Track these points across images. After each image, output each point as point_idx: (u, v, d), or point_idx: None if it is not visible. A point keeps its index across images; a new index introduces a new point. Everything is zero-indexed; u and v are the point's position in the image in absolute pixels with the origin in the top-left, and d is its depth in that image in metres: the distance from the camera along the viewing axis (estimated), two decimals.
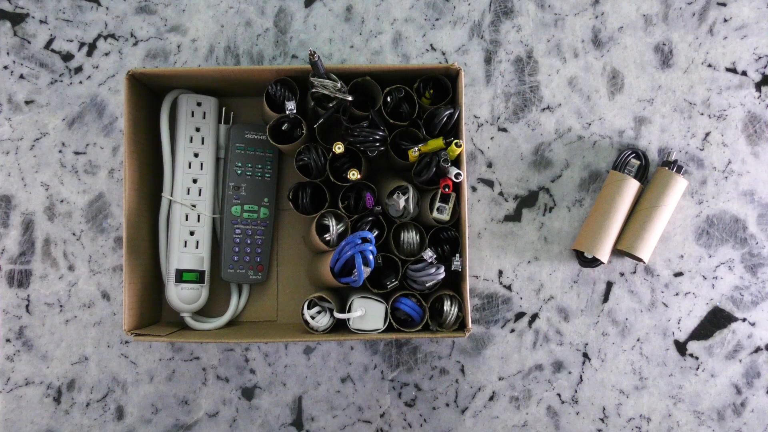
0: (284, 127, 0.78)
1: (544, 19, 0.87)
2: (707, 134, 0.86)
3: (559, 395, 0.85)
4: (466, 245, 0.75)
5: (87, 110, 0.86)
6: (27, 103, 0.86)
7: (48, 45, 0.86)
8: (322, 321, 0.76)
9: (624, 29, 0.87)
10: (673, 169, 0.82)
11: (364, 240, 0.72)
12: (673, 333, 0.85)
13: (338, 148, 0.75)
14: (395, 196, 0.77)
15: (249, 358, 0.85)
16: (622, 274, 0.86)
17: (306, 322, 0.76)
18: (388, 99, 0.77)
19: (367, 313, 0.76)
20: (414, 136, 0.78)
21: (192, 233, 0.82)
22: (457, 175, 0.74)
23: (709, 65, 0.87)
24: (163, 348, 0.85)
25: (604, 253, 0.82)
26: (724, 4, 0.87)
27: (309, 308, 0.77)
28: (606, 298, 0.86)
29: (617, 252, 0.85)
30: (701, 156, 0.86)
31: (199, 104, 0.82)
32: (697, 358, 0.85)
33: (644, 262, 0.84)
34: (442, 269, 0.76)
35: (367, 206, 0.77)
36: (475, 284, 0.86)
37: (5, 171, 0.85)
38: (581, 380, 0.85)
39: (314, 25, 0.87)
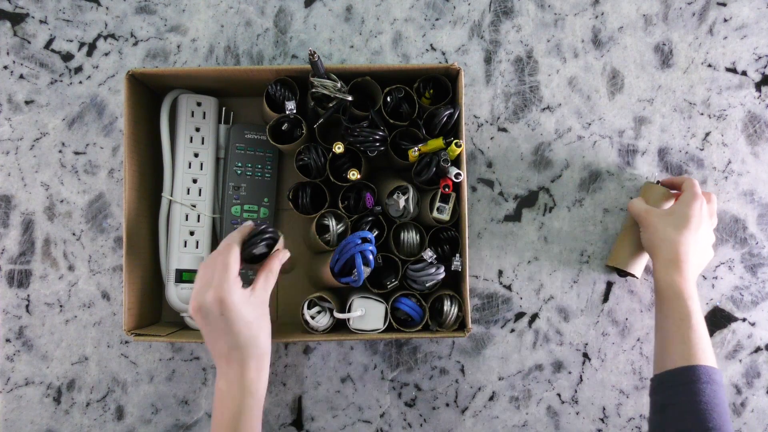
0: (284, 127, 0.79)
1: (544, 19, 0.88)
2: (707, 134, 0.87)
3: (559, 395, 0.86)
4: (466, 245, 0.77)
5: (87, 110, 0.87)
6: (27, 103, 0.87)
7: (48, 45, 0.87)
8: (322, 321, 0.77)
9: (624, 29, 0.88)
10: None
11: (364, 240, 0.73)
12: None
13: (338, 148, 0.76)
14: (395, 196, 0.78)
15: None
16: None
17: (306, 321, 0.77)
18: (388, 99, 0.78)
19: (367, 313, 0.77)
20: (414, 136, 0.79)
21: (192, 233, 0.83)
22: (457, 175, 0.75)
23: (709, 65, 0.88)
24: (163, 348, 0.87)
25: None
26: (724, 4, 0.88)
27: (309, 308, 0.78)
28: (606, 298, 0.87)
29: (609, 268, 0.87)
30: (701, 156, 0.87)
31: (199, 104, 0.83)
32: None
33: (637, 277, 0.85)
34: (442, 269, 0.77)
35: (367, 206, 0.78)
36: (475, 284, 0.87)
37: (5, 171, 0.87)
38: (581, 380, 0.86)
39: (314, 25, 0.89)
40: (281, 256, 0.73)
